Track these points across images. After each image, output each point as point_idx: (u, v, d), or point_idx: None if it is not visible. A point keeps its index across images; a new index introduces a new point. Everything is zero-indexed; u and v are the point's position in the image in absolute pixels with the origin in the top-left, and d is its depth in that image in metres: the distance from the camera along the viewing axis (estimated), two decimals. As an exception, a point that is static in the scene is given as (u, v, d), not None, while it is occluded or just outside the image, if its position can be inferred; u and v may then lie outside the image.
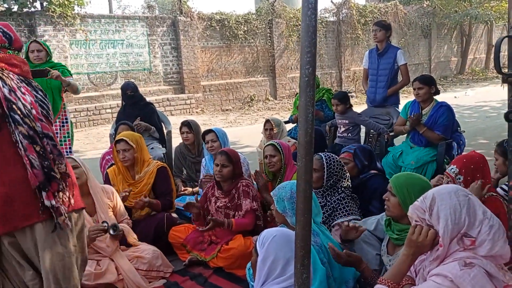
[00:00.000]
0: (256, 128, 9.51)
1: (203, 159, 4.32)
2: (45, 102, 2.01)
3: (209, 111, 13.02)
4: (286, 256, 1.90)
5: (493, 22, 21.01)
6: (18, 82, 1.92)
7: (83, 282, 2.56)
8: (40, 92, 2.02)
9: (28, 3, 9.79)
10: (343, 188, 2.99)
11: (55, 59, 10.06)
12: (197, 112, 12.55)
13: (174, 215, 3.90)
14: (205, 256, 3.26)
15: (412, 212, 1.77)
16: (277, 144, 3.63)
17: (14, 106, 1.83)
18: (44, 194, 1.84)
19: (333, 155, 3.05)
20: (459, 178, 2.46)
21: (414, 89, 4.20)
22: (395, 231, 2.26)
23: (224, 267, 3.17)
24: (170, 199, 3.73)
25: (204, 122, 10.85)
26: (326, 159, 2.98)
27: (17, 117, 1.83)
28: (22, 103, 1.85)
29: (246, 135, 8.79)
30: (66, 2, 9.90)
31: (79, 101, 10.60)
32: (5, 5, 9.55)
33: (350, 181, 3.06)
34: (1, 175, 1.85)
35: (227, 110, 13.29)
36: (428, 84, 4.12)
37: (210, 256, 3.23)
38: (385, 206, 2.30)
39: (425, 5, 19.31)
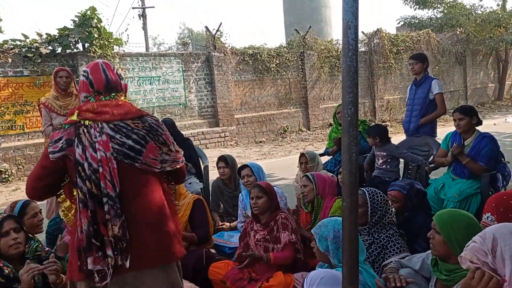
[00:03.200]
0: (291, 159, 9.49)
1: (240, 194, 4.33)
2: (137, 146, 1.89)
3: (243, 143, 13.13)
4: (334, 298, 1.86)
5: (531, 47, 20.55)
6: (96, 136, 1.84)
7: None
8: (135, 136, 1.89)
9: (71, 44, 10.33)
10: (390, 225, 2.89)
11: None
12: (231, 144, 12.69)
13: (213, 250, 3.89)
14: (245, 294, 3.22)
15: (472, 255, 1.63)
16: (310, 174, 3.69)
17: (80, 168, 1.82)
18: (89, 259, 1.81)
19: (376, 189, 2.97)
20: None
21: (454, 120, 4.10)
22: (443, 271, 2.16)
23: (264, 304, 3.11)
24: (207, 231, 3.72)
25: (238, 154, 10.93)
26: (369, 194, 2.90)
27: (79, 180, 1.82)
28: (89, 163, 1.81)
29: (280, 167, 8.77)
30: (106, 43, 10.40)
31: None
32: (50, 47, 10.12)
33: (395, 216, 2.98)
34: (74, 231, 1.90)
35: (260, 142, 13.37)
36: (469, 115, 4.02)
37: (250, 293, 3.19)
38: (430, 245, 2.22)
39: (458, 32, 19.12)
